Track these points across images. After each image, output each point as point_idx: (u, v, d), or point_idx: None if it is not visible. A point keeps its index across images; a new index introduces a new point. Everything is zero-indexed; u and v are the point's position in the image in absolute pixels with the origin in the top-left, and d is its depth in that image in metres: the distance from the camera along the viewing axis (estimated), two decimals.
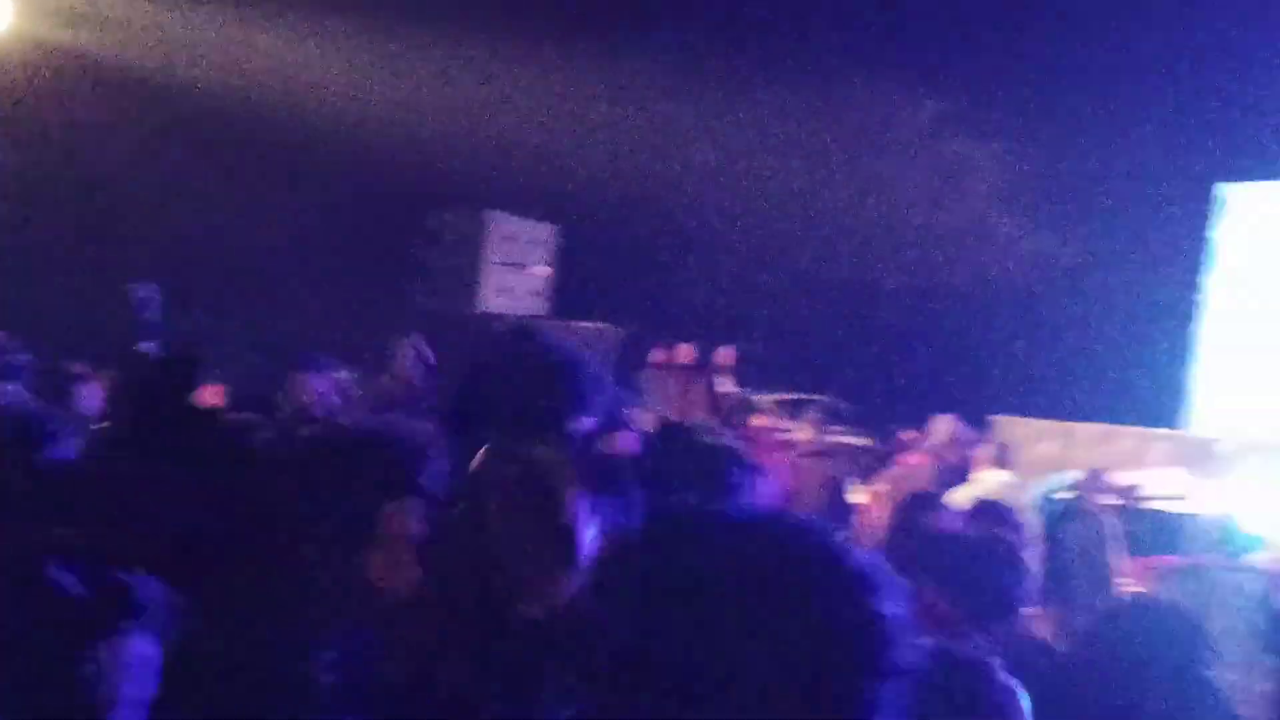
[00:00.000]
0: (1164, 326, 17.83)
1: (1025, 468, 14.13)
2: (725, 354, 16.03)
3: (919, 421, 13.78)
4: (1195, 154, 18.27)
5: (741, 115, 19.81)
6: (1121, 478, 11.67)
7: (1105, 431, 14.77)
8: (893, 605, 1.41)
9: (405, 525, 2.80)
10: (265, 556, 2.78)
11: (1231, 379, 17.62)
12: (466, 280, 17.40)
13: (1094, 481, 10.42)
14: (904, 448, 12.61)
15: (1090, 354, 18.11)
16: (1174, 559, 9.05)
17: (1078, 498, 10.22)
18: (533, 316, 16.72)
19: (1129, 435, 14.64)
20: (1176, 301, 17.92)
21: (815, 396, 17.15)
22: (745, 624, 1.35)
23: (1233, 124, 18.36)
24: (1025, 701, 2.03)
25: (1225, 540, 8.41)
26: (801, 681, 1.34)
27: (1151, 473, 12.43)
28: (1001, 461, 9.93)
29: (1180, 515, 10.96)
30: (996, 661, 2.06)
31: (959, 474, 10.12)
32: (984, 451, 10.18)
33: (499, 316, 16.20)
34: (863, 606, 1.39)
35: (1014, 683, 2.05)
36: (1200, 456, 13.84)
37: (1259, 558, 8.18)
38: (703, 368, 15.79)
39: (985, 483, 9.37)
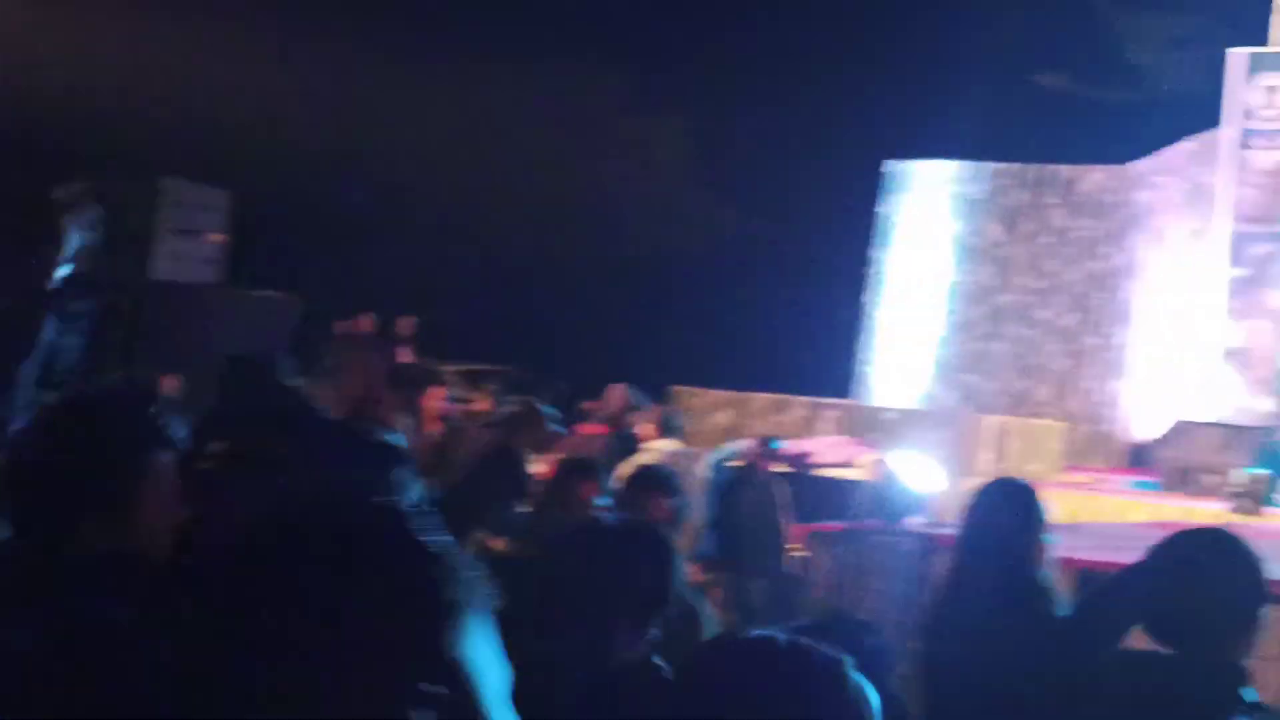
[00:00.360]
0: (835, 299, 18.36)
1: (701, 436, 14.42)
2: (405, 324, 15.92)
3: (598, 392, 13.90)
4: (865, 132, 18.86)
5: (429, 90, 19.66)
6: (792, 446, 12.00)
7: (778, 401, 15.15)
8: (443, 543, 1.50)
9: (164, 476, 2.84)
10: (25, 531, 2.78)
11: (898, 350, 18.27)
12: (139, 248, 16.84)
13: (765, 450, 10.66)
14: (583, 418, 12.71)
15: (765, 325, 18.55)
16: (835, 524, 9.35)
17: (749, 466, 10.44)
18: (207, 284, 16.31)
19: (801, 405, 15.06)
20: (847, 274, 18.47)
21: (497, 367, 17.17)
22: (317, 589, 1.42)
23: (899, 104, 19.02)
24: (875, 700, 2.05)
25: (884, 505, 8.74)
26: (380, 631, 1.43)
27: (821, 440, 12.83)
28: (667, 430, 10.09)
29: (845, 481, 11.32)
30: (849, 660, 2.07)
31: (633, 442, 10.24)
32: (648, 420, 10.32)
33: (172, 285, 15.75)
34: (417, 550, 1.49)
35: (864, 681, 2.07)
36: (867, 425, 14.33)
37: (914, 521, 8.51)
38: (384, 338, 15.65)
39: (654, 451, 9.50)
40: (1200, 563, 3.61)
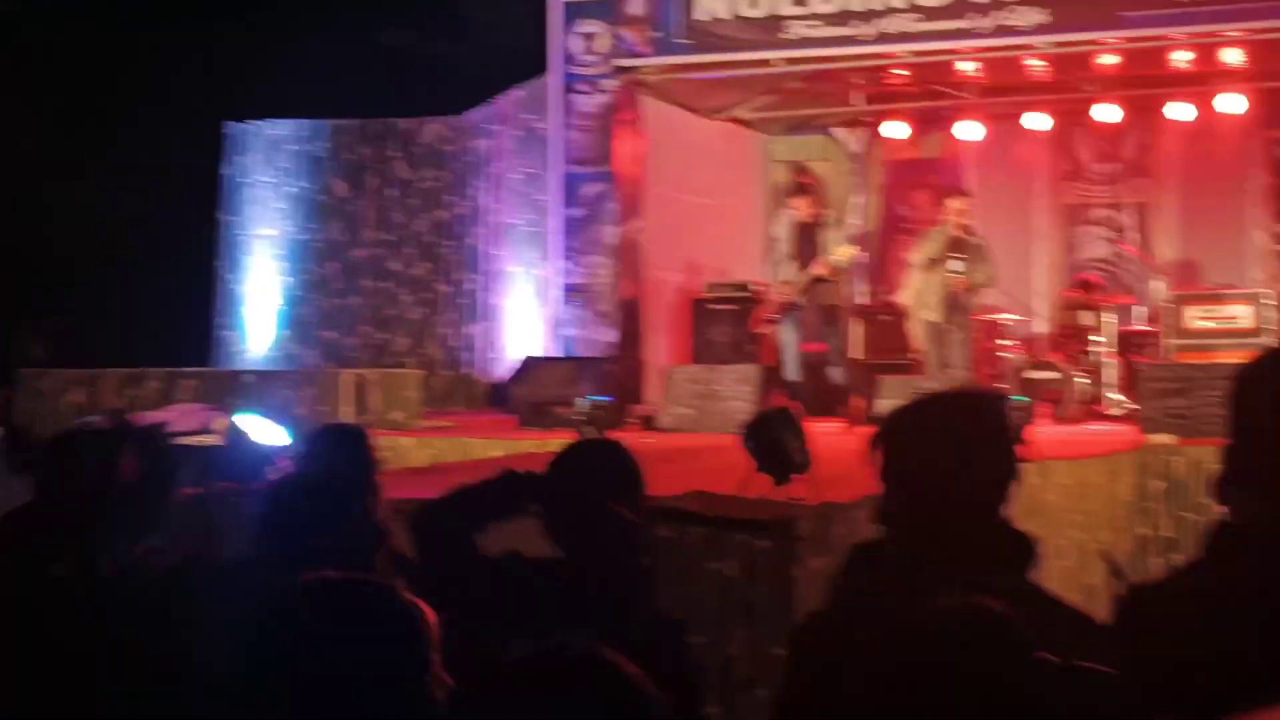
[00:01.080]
0: (186, 266, 18.04)
1: (53, 417, 13.89)
2: None
3: None
4: (202, 94, 18.62)
5: None
6: (144, 417, 11.72)
7: (132, 375, 14.78)
8: None
9: None
10: None
11: (254, 312, 18.18)
12: None
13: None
14: None
15: (115, 298, 18.06)
16: (189, 490, 9.21)
17: None
18: None
19: (156, 376, 14.73)
20: (196, 240, 18.18)
21: None
22: None
23: (236, 65, 18.88)
24: (431, 617, 2.10)
25: (235, 466, 8.66)
26: None
27: (173, 409, 12.61)
28: None
29: (198, 448, 11.15)
30: (400, 582, 2.12)
31: None
32: None
33: None
34: None
35: (419, 603, 2.11)
36: (227, 390, 14.20)
37: (267, 478, 8.49)
38: None
39: None
40: (588, 469, 3.86)
